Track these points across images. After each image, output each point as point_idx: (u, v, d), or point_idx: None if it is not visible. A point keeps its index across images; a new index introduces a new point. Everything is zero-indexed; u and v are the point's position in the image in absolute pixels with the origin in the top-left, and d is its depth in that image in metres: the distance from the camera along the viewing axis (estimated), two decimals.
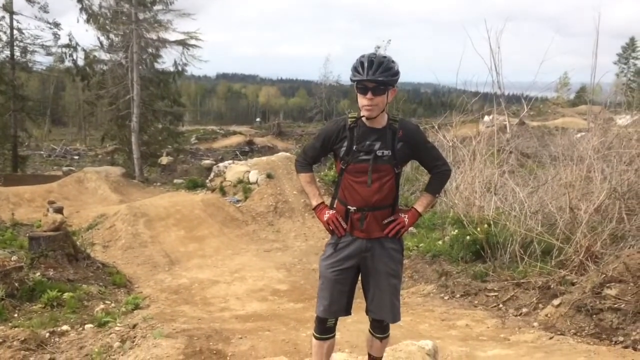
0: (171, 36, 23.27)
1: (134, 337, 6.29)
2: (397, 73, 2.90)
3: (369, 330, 3.18)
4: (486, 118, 19.40)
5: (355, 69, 2.88)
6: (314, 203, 3.13)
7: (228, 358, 4.92)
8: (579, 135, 15.47)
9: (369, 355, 3.22)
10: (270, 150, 30.77)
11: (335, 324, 3.08)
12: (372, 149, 2.94)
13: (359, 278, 3.11)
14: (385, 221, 2.96)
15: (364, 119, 2.97)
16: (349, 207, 2.99)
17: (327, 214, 3.07)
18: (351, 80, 2.92)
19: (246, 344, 5.43)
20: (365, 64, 2.84)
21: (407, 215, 3.03)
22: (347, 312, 3.07)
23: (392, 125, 2.99)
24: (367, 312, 3.11)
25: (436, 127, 13.01)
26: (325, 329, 3.06)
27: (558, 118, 35.48)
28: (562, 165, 9.73)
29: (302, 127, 48.86)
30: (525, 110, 17.14)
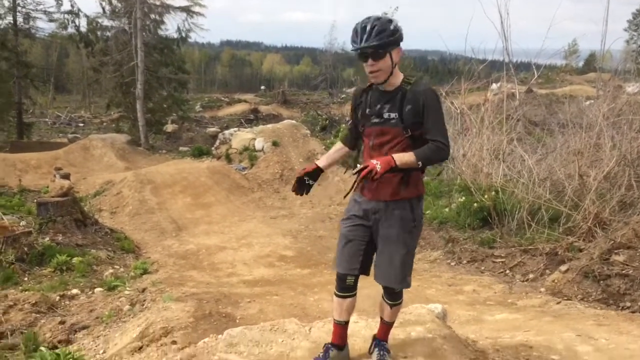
0: (174, 2, 22.98)
1: (144, 301, 6.38)
2: (394, 32, 2.79)
3: (382, 296, 3.18)
4: (494, 85, 19.19)
5: (352, 39, 2.83)
6: (315, 162, 3.22)
7: (237, 321, 4.97)
8: (587, 103, 15.29)
9: (381, 319, 3.22)
10: (275, 118, 30.56)
11: (355, 283, 3.06)
12: (381, 112, 2.92)
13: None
14: (359, 167, 2.75)
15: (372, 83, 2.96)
16: (358, 165, 2.89)
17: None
18: (351, 50, 2.87)
19: (255, 308, 5.48)
20: (359, 30, 2.78)
21: (379, 161, 2.72)
22: (364, 271, 3.03)
23: (403, 88, 2.90)
24: (375, 277, 3.07)
25: (443, 94, 12.89)
26: (345, 287, 3.04)
27: (566, 86, 35.02)
28: (571, 132, 9.63)
29: (307, 95, 48.41)
30: (534, 77, 16.89)
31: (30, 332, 5.54)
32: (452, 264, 7.68)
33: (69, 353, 4.22)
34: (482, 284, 6.39)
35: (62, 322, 6.01)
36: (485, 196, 8.25)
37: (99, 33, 23.54)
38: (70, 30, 23.48)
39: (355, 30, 2.79)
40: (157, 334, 4.59)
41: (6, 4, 23.52)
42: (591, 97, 20.01)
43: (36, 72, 27.66)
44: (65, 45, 40.85)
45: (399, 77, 2.92)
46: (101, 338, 5.22)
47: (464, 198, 8.92)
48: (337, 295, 3.08)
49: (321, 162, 3.22)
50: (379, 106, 2.93)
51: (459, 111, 9.92)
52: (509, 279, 6.69)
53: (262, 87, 56.19)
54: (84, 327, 5.91)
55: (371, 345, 3.21)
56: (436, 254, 8.26)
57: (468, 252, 7.77)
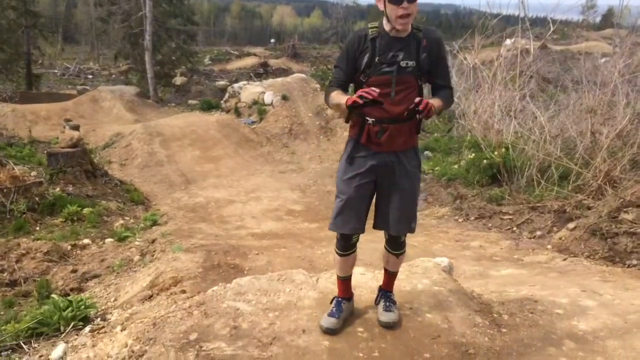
0: None
1: (154, 251, 6.47)
2: None
3: (385, 247, 3.13)
4: (508, 41, 18.76)
5: None
6: (344, 100, 2.79)
7: (245, 272, 5.04)
8: (603, 60, 14.96)
9: (385, 270, 3.22)
10: (285, 72, 30.20)
11: (358, 238, 3.06)
12: (396, 60, 2.78)
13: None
14: (412, 105, 2.62)
15: (389, 29, 2.80)
16: (367, 118, 2.84)
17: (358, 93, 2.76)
18: None
19: (263, 260, 5.55)
20: None
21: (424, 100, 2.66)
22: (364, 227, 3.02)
23: (416, 35, 2.82)
24: (377, 227, 3.04)
25: (457, 48, 12.65)
26: (350, 246, 3.03)
27: (582, 42, 34.20)
28: (585, 89, 9.47)
29: (317, 49, 47.69)
30: (549, 32, 16.46)
31: (43, 279, 5.67)
32: (460, 220, 7.70)
33: (81, 300, 4.32)
34: (489, 240, 6.42)
35: (74, 271, 6.13)
36: (495, 153, 8.19)
37: None
38: None
39: None
40: (167, 283, 4.68)
41: None
42: (607, 54, 19.57)
43: (44, 21, 27.33)
44: None
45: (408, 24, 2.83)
46: (112, 286, 5.32)
47: (473, 155, 8.87)
48: (340, 255, 3.07)
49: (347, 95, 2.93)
50: (391, 54, 2.79)
51: (471, 66, 9.74)
52: (516, 236, 6.71)
53: (272, 41, 55.37)
54: (95, 276, 6.03)
55: (377, 296, 3.25)
56: (444, 210, 8.27)
57: (476, 208, 7.77)
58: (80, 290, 5.75)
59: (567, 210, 6.89)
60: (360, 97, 2.59)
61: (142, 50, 22.61)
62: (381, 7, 2.77)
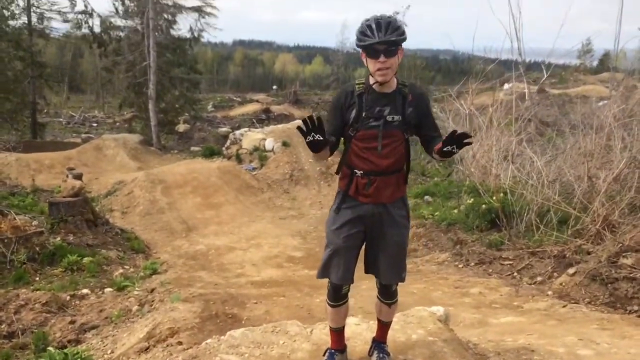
0: (186, 2, 23.09)
1: (152, 301, 6.45)
2: (404, 32, 2.81)
3: (377, 296, 3.17)
4: (506, 86, 19.06)
5: (362, 33, 2.79)
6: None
7: (243, 322, 5.01)
8: (600, 103, 15.17)
9: (378, 320, 3.22)
10: (287, 118, 30.63)
11: (349, 289, 3.08)
12: (382, 115, 2.88)
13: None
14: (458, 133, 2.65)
15: (372, 84, 2.88)
16: (355, 170, 2.94)
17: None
18: (358, 45, 2.83)
19: (261, 309, 5.53)
20: (374, 26, 2.75)
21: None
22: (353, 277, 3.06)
23: (401, 90, 2.93)
24: (368, 271, 3.08)
25: (454, 95, 12.84)
26: (340, 296, 3.06)
27: (579, 86, 34.69)
28: (581, 133, 9.57)
29: (318, 95, 48.38)
30: (545, 77, 16.78)
31: (40, 331, 5.64)
32: (460, 266, 7.67)
33: (77, 353, 4.30)
34: (488, 286, 6.39)
35: (72, 322, 6.11)
36: (494, 197, 8.23)
37: (111, 33, 23.72)
38: (84, 30, 23.69)
39: (368, 25, 2.77)
40: (164, 334, 4.66)
41: (21, 4, 23.74)
42: (604, 97, 19.84)
43: (50, 72, 27.87)
44: (79, 46, 41.21)
45: (394, 80, 2.93)
46: (109, 338, 5.29)
47: (472, 199, 8.90)
48: (332, 306, 3.08)
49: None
50: (378, 108, 2.89)
51: (467, 112, 9.89)
52: (516, 282, 6.67)
53: (274, 87, 56.32)
54: (93, 327, 6.00)
55: (371, 347, 3.24)
56: (444, 255, 8.25)
57: (476, 254, 7.75)
58: (78, 342, 5.71)
59: (567, 255, 6.88)
60: (303, 122, 2.61)
61: (146, 98, 23.00)
62: (364, 61, 2.87)
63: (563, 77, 38.67)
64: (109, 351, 4.87)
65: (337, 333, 3.13)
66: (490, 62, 12.03)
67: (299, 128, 2.63)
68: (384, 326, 3.21)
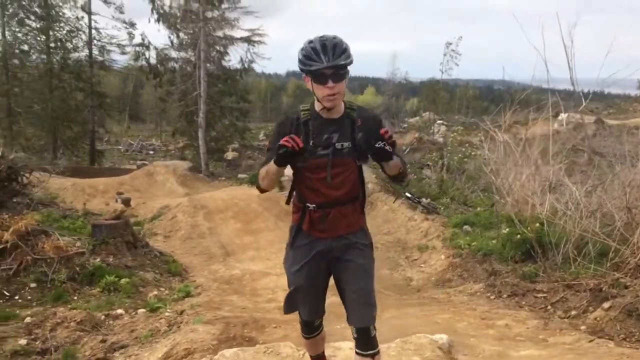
0: (237, 33, 23.94)
1: (180, 323, 6.59)
2: (351, 54, 2.60)
3: (356, 351, 2.78)
4: (561, 116, 18.61)
5: (307, 57, 2.58)
6: (272, 163, 2.65)
7: (258, 345, 5.05)
8: None
9: None
10: None
11: (321, 320, 3.00)
12: (331, 142, 2.69)
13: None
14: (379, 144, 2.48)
15: (320, 109, 2.71)
16: (307, 204, 2.77)
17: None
18: (303, 70, 2.62)
19: (279, 333, 5.55)
20: (319, 48, 2.55)
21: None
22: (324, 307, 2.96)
23: (349, 114, 2.74)
24: (349, 321, 2.80)
25: (505, 125, 12.59)
26: (314, 328, 2.99)
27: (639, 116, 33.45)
28: (628, 164, 9.21)
29: None
30: (597, 108, 16.28)
31: (70, 348, 5.85)
32: (492, 297, 7.47)
33: None
34: (516, 318, 6.19)
35: (103, 341, 6.30)
36: (529, 228, 8.01)
37: (166, 64, 24.83)
38: (141, 62, 24.92)
39: (312, 48, 2.57)
40: (180, 355, 4.77)
41: (83, 37, 25.30)
42: None
43: (110, 102, 29.38)
44: (140, 77, 43.24)
45: (341, 104, 2.75)
46: (132, 357, 5.44)
47: (508, 229, 8.69)
48: (307, 338, 3.03)
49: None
50: (326, 136, 2.70)
51: (502, 141, 9.73)
52: (547, 315, 6.43)
53: None
54: (122, 347, 6.16)
55: None
56: (477, 286, 8.06)
57: (509, 285, 7.54)
58: None
59: (604, 289, 6.58)
60: (282, 146, 2.47)
61: (197, 127, 23.79)
62: (309, 86, 2.68)
63: (622, 107, 37.41)
64: None
65: (318, 358, 3.11)
66: (543, 92, 11.77)
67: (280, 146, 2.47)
68: None
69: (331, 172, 2.68)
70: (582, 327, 6.01)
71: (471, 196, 14.82)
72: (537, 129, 12.95)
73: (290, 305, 2.88)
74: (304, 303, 2.85)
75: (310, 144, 2.69)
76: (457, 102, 49.67)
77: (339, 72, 2.57)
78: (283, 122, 2.84)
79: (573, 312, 6.53)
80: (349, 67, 2.61)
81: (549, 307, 6.80)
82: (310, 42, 2.59)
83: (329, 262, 2.82)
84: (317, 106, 2.73)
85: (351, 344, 3.55)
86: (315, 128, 2.71)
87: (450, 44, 36.38)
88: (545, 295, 7.07)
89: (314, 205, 2.75)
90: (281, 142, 2.48)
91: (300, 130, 2.71)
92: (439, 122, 37.26)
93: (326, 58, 2.52)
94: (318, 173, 2.70)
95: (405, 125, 46.09)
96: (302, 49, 2.60)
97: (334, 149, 2.69)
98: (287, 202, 2.92)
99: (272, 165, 2.63)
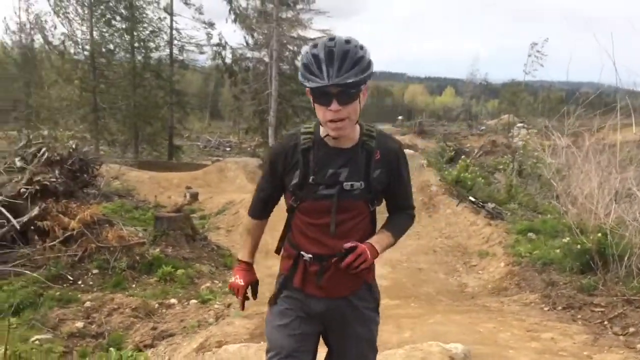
0: (310, 34, 24.25)
1: (227, 316, 6.79)
2: (369, 64, 1.96)
3: None
4: None
5: (307, 68, 1.96)
6: (239, 257, 2.47)
7: (262, 342, 5.11)
8: None
9: None
10: (409, 148, 30.56)
11: None
12: (337, 180, 2.08)
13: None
14: (346, 246, 2.04)
15: (324, 135, 2.12)
16: (302, 253, 2.18)
17: (234, 279, 2.38)
18: (303, 84, 2.02)
19: None
20: (322, 57, 1.91)
21: (367, 248, 2.07)
22: None
23: (366, 144, 2.10)
24: None
25: (594, 129, 11.90)
26: None
27: None
28: None
29: (445, 127, 47.78)
30: None
31: (118, 333, 6.18)
32: (546, 309, 7.13)
33: (131, 355, 4.67)
34: (564, 332, 5.88)
35: (153, 328, 6.60)
36: (591, 237, 7.58)
37: (241, 63, 25.55)
38: (217, 61, 25.82)
39: (314, 55, 1.94)
40: (212, 347, 4.90)
41: (165, 37, 26.52)
42: None
43: (189, 99, 30.64)
44: (219, 76, 44.80)
45: (356, 129, 2.12)
46: (173, 345, 5.66)
47: (568, 239, 8.26)
48: None
49: (246, 257, 2.51)
50: (331, 171, 2.09)
51: (564, 146, 9.25)
52: (599, 331, 6.06)
53: (400, 117, 56.49)
54: (170, 335, 6.43)
55: None
56: (533, 296, 7.72)
57: (565, 297, 7.17)
58: (152, 346, 6.17)
59: None
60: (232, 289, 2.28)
61: (268, 125, 24.33)
62: (312, 105, 2.08)
63: None
64: (166, 358, 5.20)
65: None
66: (632, 95, 11.07)
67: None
68: None
69: (336, 219, 2.09)
70: (639, 346, 5.64)
71: (542, 202, 14.19)
72: (629, 135, 12.23)
73: None
74: None
75: (310, 180, 2.10)
76: (539, 104, 47.68)
77: (348, 90, 1.94)
78: (276, 151, 2.24)
79: (631, 329, 6.12)
80: (365, 83, 1.99)
81: (606, 322, 6.41)
82: (315, 46, 1.97)
83: (324, 325, 2.29)
84: (323, 131, 2.12)
85: None
86: (317, 159, 2.10)
87: (536, 44, 35.05)
88: (602, 309, 6.67)
89: (310, 256, 2.17)
90: (230, 283, 2.32)
91: (298, 162, 2.12)
92: (519, 125, 35.93)
93: (330, 72, 1.90)
94: (317, 218, 2.12)
95: (483, 128, 44.96)
96: (304, 56, 2.01)
97: (340, 189, 2.08)
98: (277, 252, 2.38)
99: (241, 248, 2.50)
